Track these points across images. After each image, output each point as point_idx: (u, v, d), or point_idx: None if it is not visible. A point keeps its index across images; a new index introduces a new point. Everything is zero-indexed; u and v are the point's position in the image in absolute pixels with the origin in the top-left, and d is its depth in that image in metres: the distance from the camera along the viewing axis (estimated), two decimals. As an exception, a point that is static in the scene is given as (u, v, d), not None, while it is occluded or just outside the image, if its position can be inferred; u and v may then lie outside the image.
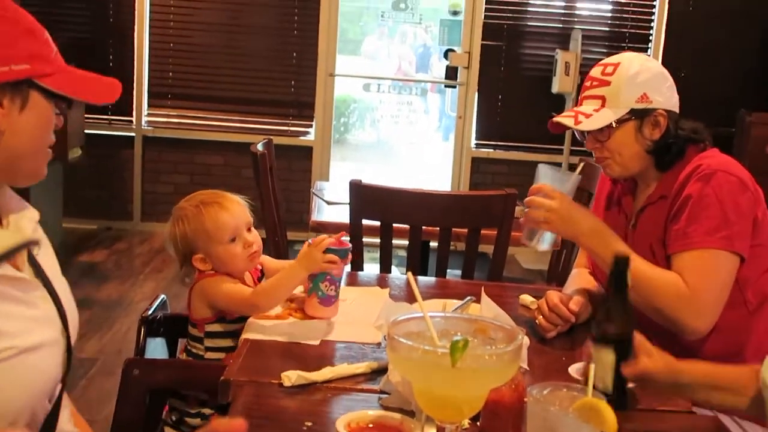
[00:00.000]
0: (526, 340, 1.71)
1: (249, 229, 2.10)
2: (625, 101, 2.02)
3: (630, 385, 1.54)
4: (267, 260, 2.21)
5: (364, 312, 2.03)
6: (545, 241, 2.06)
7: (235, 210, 2.09)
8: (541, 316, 2.00)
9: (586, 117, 2.03)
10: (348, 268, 2.75)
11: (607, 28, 6.21)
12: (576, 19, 6.21)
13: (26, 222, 1.37)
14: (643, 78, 2.03)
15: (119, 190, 6.31)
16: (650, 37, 6.09)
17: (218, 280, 2.04)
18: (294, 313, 2.01)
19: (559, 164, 6.05)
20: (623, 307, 1.49)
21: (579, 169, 2.10)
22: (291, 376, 1.60)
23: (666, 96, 2.05)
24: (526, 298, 2.26)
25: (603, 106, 2.04)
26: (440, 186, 6.63)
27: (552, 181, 2.05)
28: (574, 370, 1.70)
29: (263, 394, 1.58)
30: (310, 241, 1.99)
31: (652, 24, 6.16)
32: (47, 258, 1.42)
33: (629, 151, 2.05)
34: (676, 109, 2.07)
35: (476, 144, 6.35)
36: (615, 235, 1.99)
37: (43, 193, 4.99)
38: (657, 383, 1.55)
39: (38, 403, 1.33)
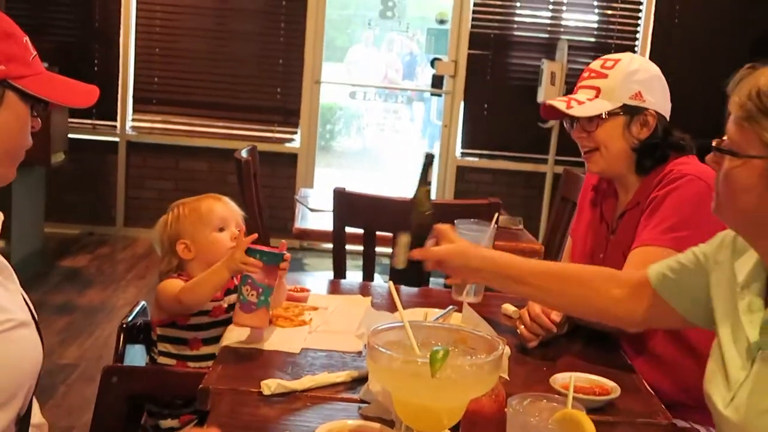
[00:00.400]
0: (507, 351, 1.71)
1: (239, 230, 2.11)
2: (619, 96, 2.06)
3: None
4: None
5: (345, 321, 2.03)
6: (472, 293, 2.20)
7: (229, 205, 2.18)
8: (523, 326, 2.00)
9: (579, 104, 2.08)
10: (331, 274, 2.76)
11: (593, 39, 6.23)
12: (562, 30, 6.23)
13: None
14: (641, 77, 2.08)
15: (103, 195, 6.27)
16: (636, 48, 6.13)
17: (170, 280, 2.07)
18: (275, 321, 1.99)
19: (542, 173, 6.07)
20: (424, 199, 1.82)
21: (494, 220, 2.19)
22: (270, 385, 1.59)
23: (659, 99, 2.09)
24: (509, 308, 2.25)
25: (597, 96, 2.08)
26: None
27: (470, 239, 2.04)
28: (556, 380, 1.70)
29: (242, 402, 1.57)
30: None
31: (637, 35, 6.19)
32: None
33: (615, 145, 2.08)
34: (667, 116, 2.11)
35: (462, 153, 6.35)
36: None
37: (26, 197, 4.96)
38: (450, 266, 1.82)
39: (28, 383, 1.34)
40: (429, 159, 1.86)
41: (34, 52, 1.35)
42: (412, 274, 1.80)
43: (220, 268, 1.91)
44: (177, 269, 2.11)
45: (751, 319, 1.41)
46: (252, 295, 1.85)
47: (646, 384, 1.82)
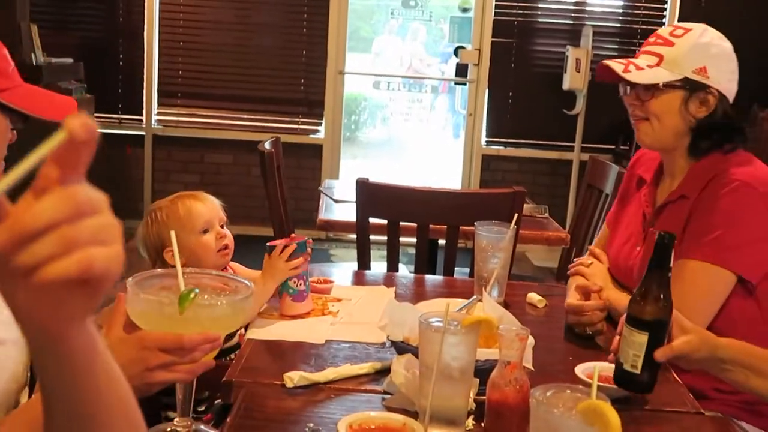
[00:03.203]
0: (531, 340, 1.69)
1: (222, 226, 2.09)
2: (683, 67, 1.92)
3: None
4: (240, 268, 2.19)
5: (369, 312, 2.02)
6: (496, 291, 2.13)
7: (208, 203, 2.09)
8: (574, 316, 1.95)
9: (638, 69, 1.94)
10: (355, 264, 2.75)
11: (618, 24, 6.17)
12: (587, 16, 6.17)
13: None
14: (711, 52, 1.93)
15: (129, 189, 6.31)
16: (662, 33, 6.05)
17: None
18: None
19: (569, 161, 6.02)
20: (661, 287, 1.43)
21: (513, 221, 2.13)
22: (293, 377, 1.59)
23: (725, 79, 1.94)
24: (534, 297, 2.23)
25: (658, 64, 1.94)
26: (450, 184, 6.60)
27: (489, 241, 2.11)
28: (581, 370, 1.68)
29: (265, 395, 1.57)
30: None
31: (663, 20, 6.12)
32: None
33: (669, 120, 1.95)
34: (730, 97, 1.96)
35: (486, 141, 6.32)
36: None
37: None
38: (694, 361, 1.54)
39: (6, 403, 1.31)
40: (670, 238, 1.43)
41: (12, 64, 1.33)
42: (648, 381, 1.50)
43: (267, 285, 1.96)
44: None
45: None
46: (299, 284, 1.98)
47: (674, 373, 1.80)
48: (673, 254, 1.41)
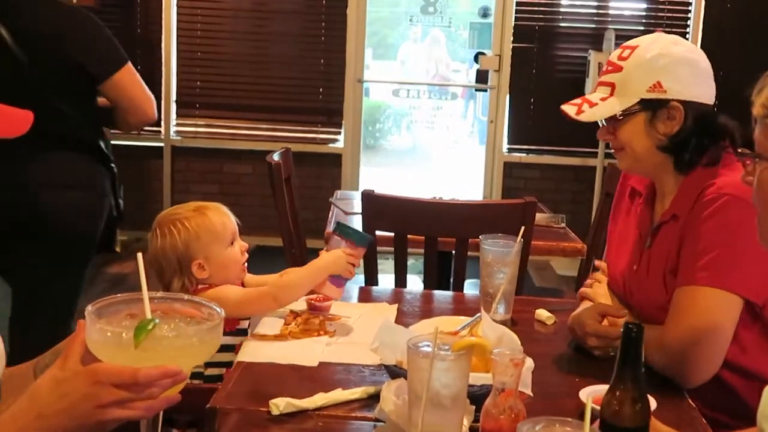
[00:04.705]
0: (530, 363, 1.60)
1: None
2: (635, 91, 1.81)
3: None
4: (248, 276, 2.14)
5: (368, 331, 1.92)
6: (503, 309, 2.05)
7: (230, 215, 2.08)
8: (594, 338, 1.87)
9: (591, 106, 1.85)
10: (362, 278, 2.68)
11: (641, 28, 6.03)
12: (609, 19, 6.05)
13: None
14: (660, 64, 1.80)
15: (149, 201, 6.28)
16: (687, 36, 5.92)
17: (222, 287, 2.00)
18: (294, 334, 1.91)
19: (592, 168, 5.90)
20: (636, 386, 1.22)
21: (520, 234, 2.04)
22: (279, 404, 1.51)
23: (685, 84, 1.81)
24: (542, 314, 2.14)
25: (612, 94, 1.84)
26: (473, 191, 6.51)
27: (495, 255, 2.04)
28: (586, 394, 1.58)
29: (250, 423, 1.49)
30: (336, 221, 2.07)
31: (688, 23, 5.98)
32: None
33: (639, 145, 1.84)
34: (703, 100, 1.83)
35: (508, 148, 6.21)
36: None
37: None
38: None
39: None
40: (638, 332, 1.22)
41: None
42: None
43: (321, 267, 1.98)
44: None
45: None
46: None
47: (687, 396, 1.70)
48: (643, 348, 1.21)
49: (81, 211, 2.75)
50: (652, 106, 1.82)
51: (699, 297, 1.72)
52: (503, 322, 1.86)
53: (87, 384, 1.12)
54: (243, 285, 2.12)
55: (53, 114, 2.60)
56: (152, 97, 2.82)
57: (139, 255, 1.26)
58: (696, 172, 1.84)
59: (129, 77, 2.75)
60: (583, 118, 1.86)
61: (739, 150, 1.33)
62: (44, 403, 1.14)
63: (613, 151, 1.94)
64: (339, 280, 1.99)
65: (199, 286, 2.00)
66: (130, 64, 2.78)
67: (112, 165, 2.85)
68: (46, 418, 1.13)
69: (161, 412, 1.22)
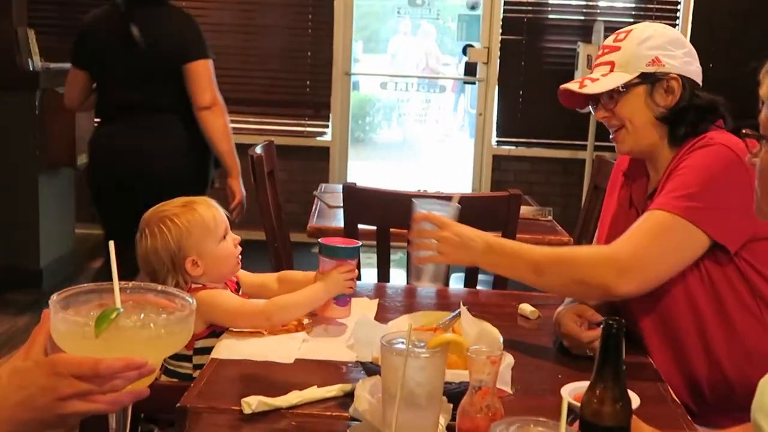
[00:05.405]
0: (510, 360, 1.56)
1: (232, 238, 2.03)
2: (635, 65, 1.88)
3: None
4: (243, 274, 2.08)
5: (346, 327, 1.90)
6: (430, 276, 1.92)
7: (220, 209, 2.02)
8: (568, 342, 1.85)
9: (593, 81, 1.91)
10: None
11: (631, 20, 5.98)
12: (598, 11, 6.01)
13: None
14: (656, 42, 1.89)
15: (135, 195, 6.21)
16: (677, 29, 5.88)
17: (218, 292, 1.94)
18: (270, 330, 1.86)
19: (581, 160, 5.87)
20: (617, 385, 1.17)
21: (457, 199, 1.94)
22: (251, 402, 1.46)
23: (681, 61, 1.90)
24: (526, 308, 2.10)
25: (612, 71, 1.91)
26: (464, 185, 6.47)
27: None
28: (568, 391, 1.54)
29: (221, 423, 1.44)
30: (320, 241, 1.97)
31: (678, 14, 5.95)
32: None
33: (640, 118, 1.89)
34: (696, 78, 1.92)
35: (497, 141, 6.17)
36: (512, 242, 1.89)
37: (53, 200, 4.92)
38: None
39: None
40: (616, 328, 1.16)
41: None
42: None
43: (319, 293, 1.90)
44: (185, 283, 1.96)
45: None
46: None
47: (672, 392, 1.66)
48: (624, 345, 1.17)
49: (185, 173, 3.34)
50: (652, 79, 1.88)
51: (667, 222, 1.74)
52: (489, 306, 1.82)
53: (46, 375, 1.06)
54: (237, 280, 2.07)
55: (165, 93, 3.35)
56: (213, 89, 3.44)
57: (111, 243, 1.20)
58: (687, 144, 1.87)
59: (203, 68, 3.39)
60: (587, 90, 1.91)
61: (744, 131, 1.30)
62: (3, 395, 1.08)
63: (611, 134, 1.96)
64: (343, 299, 1.93)
65: (193, 285, 1.95)
66: (209, 59, 3.44)
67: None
68: (4, 410, 1.07)
69: (129, 407, 1.16)
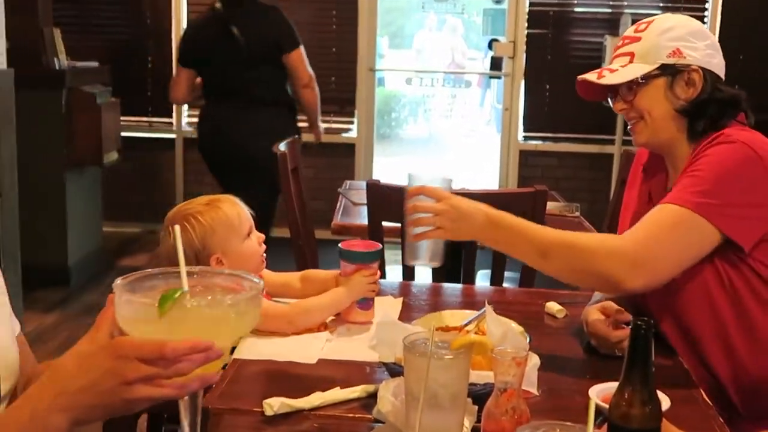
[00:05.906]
0: (536, 360, 1.52)
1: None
2: (655, 56, 1.82)
3: None
4: (266, 273, 2.07)
5: (371, 325, 1.88)
6: (426, 255, 1.81)
7: (244, 206, 1.99)
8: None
9: (612, 72, 1.85)
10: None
11: (658, 12, 5.91)
12: (625, 3, 5.93)
13: None
14: (678, 33, 1.83)
15: (162, 193, 6.24)
16: (705, 20, 5.79)
17: None
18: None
19: (609, 155, 5.80)
20: (646, 387, 1.14)
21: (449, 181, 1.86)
22: (273, 404, 1.44)
23: (703, 54, 1.83)
24: (553, 306, 2.06)
25: (631, 62, 1.85)
26: (490, 181, 6.42)
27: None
28: (596, 392, 1.51)
29: (242, 424, 1.43)
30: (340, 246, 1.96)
31: (707, 6, 5.86)
32: None
33: (659, 110, 1.83)
34: (719, 72, 1.85)
35: (524, 136, 6.12)
36: (515, 218, 1.76)
37: (80, 198, 4.95)
38: None
39: None
40: (645, 328, 1.14)
41: None
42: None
43: (342, 297, 1.90)
44: None
45: None
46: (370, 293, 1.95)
47: (703, 394, 1.62)
48: (653, 346, 1.14)
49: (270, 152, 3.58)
50: (672, 71, 1.82)
51: (677, 215, 1.70)
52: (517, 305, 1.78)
53: (111, 358, 1.02)
54: (262, 278, 2.05)
55: (261, 83, 4.15)
56: (308, 71, 4.27)
57: (177, 227, 1.15)
58: (707, 139, 1.82)
59: (298, 55, 4.20)
60: (604, 81, 1.85)
61: None
62: (67, 379, 1.05)
63: (629, 126, 1.92)
64: (366, 303, 1.92)
65: None
66: (300, 46, 4.22)
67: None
68: (68, 396, 1.04)
69: (200, 393, 1.11)
